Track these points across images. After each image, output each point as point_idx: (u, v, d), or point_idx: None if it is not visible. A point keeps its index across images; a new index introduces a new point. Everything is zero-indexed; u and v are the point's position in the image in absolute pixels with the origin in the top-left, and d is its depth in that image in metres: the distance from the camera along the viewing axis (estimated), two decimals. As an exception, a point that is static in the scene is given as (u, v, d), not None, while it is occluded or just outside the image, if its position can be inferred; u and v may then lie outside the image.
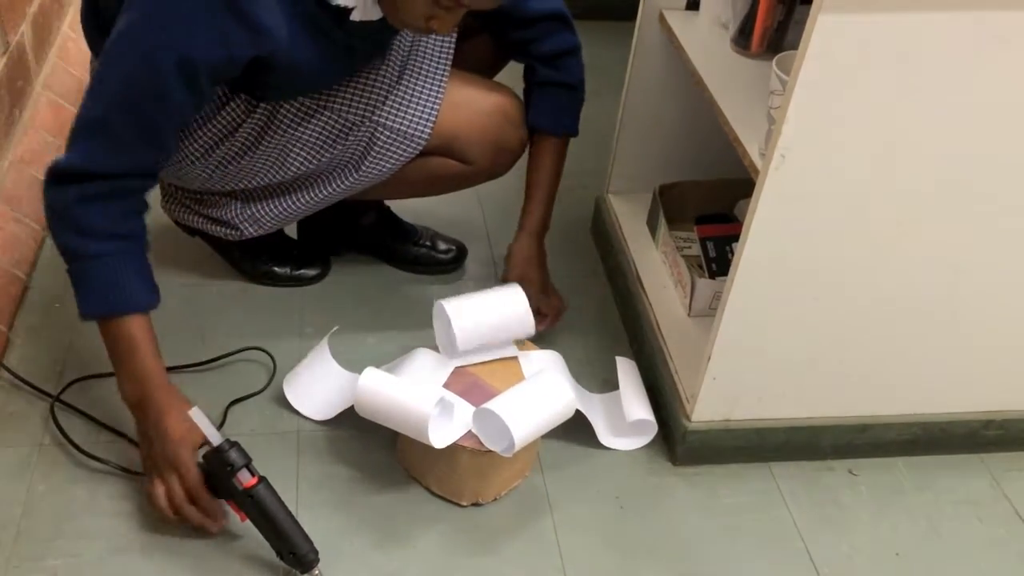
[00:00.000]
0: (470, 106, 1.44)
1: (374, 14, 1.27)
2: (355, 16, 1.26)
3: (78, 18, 1.44)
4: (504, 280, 1.53)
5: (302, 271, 1.69)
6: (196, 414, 1.19)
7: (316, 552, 1.20)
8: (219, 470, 1.19)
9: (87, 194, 1.19)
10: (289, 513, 1.20)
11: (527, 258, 1.56)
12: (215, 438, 1.19)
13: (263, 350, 1.53)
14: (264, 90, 1.34)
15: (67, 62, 2.05)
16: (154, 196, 1.56)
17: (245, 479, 1.18)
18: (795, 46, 1.06)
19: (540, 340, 1.48)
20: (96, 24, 1.36)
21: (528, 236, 1.57)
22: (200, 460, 1.21)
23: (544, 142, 1.55)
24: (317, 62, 1.28)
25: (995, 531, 1.38)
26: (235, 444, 1.20)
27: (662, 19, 1.54)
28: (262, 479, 1.19)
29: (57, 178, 1.20)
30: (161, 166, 1.26)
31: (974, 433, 1.45)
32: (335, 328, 1.49)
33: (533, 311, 1.42)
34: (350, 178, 1.45)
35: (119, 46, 1.16)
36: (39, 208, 1.74)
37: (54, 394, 1.42)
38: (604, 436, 1.43)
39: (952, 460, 1.47)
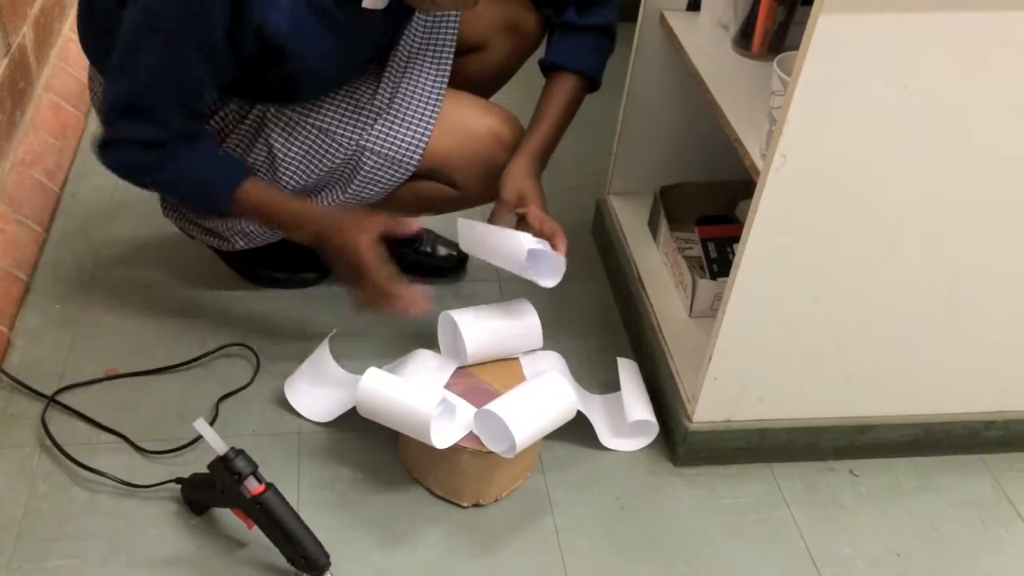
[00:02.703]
0: (461, 130, 1.40)
1: (381, 2, 1.27)
2: (366, 3, 1.25)
3: (79, 20, 1.44)
4: (500, 197, 1.39)
5: (302, 274, 1.69)
6: (200, 425, 1.16)
7: (327, 556, 1.18)
8: (225, 478, 1.18)
9: (135, 140, 1.28)
10: (298, 518, 1.18)
11: (524, 171, 1.39)
12: (220, 447, 1.18)
13: (246, 345, 1.54)
14: (278, 86, 1.33)
15: (68, 64, 2.05)
16: (156, 199, 1.58)
17: (252, 486, 1.17)
18: (796, 47, 1.06)
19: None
20: (91, 25, 1.36)
21: (526, 157, 1.40)
22: (206, 468, 1.20)
23: (557, 80, 1.43)
24: (325, 48, 1.27)
25: (996, 532, 1.38)
26: (241, 452, 1.18)
27: (663, 20, 1.54)
28: (270, 486, 1.18)
29: (106, 144, 1.30)
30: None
31: (975, 434, 1.45)
32: (335, 330, 1.50)
33: (535, 230, 1.32)
34: (338, 199, 1.43)
35: (139, 31, 1.19)
36: (40, 209, 1.76)
37: (50, 395, 1.43)
38: (605, 437, 1.43)
39: (953, 461, 1.47)
